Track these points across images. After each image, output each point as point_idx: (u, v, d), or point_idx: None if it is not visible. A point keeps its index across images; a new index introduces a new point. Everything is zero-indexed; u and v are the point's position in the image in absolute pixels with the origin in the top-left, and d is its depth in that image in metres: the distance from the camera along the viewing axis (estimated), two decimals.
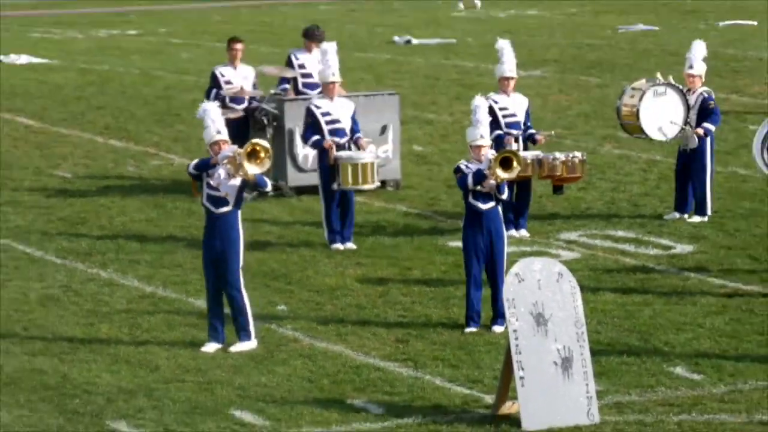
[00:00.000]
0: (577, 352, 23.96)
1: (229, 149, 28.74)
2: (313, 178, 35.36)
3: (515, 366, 23.65)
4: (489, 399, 24.82)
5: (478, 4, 75.55)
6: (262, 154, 26.72)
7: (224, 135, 29.07)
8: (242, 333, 28.09)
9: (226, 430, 23.71)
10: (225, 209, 28.45)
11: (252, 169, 27.30)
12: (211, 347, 27.73)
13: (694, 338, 27.81)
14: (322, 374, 26.47)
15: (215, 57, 41.20)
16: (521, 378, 23.53)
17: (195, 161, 29.07)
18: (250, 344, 27.89)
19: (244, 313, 27.96)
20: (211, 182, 28.26)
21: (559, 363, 23.81)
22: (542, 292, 23.99)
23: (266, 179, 28.68)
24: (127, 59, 58.55)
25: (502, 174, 27.60)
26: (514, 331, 23.65)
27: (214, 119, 28.90)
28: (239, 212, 28.08)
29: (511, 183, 33.55)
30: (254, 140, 28.55)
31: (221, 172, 28.19)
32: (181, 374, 26.40)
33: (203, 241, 28.65)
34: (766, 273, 30.42)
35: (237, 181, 28.32)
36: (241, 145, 30.33)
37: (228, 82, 39.41)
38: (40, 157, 41.67)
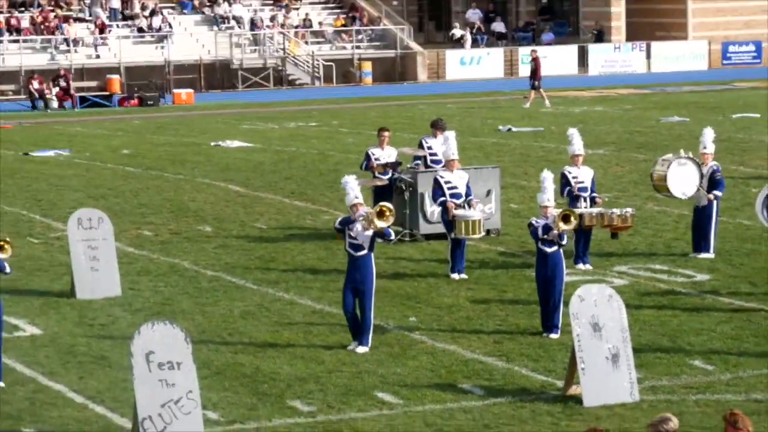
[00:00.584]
0: (623, 350, 24.46)
1: (364, 210, 28.81)
2: (439, 228, 36.24)
3: (578, 360, 24.24)
4: (560, 383, 25.19)
5: (547, 104, 74.87)
6: (388, 213, 27.17)
7: (360, 199, 29.00)
8: (364, 340, 28.13)
9: (372, 407, 24.24)
10: (362, 253, 28.49)
11: (380, 224, 27.79)
12: (357, 347, 28.05)
13: (708, 340, 28.07)
14: (440, 366, 26.79)
15: (370, 140, 41.10)
16: (582, 368, 24.08)
17: (339, 218, 29.62)
18: (365, 349, 28.13)
19: (369, 328, 28.19)
20: (351, 234, 28.48)
21: (610, 358, 24.32)
22: (597, 308, 24.58)
23: (391, 231, 28.97)
24: (308, 143, 58.40)
25: (563, 226, 28.18)
26: (577, 335, 23.96)
27: (353, 188, 28.90)
28: (372, 254, 28.36)
29: (577, 231, 34.43)
30: (382, 203, 28.82)
31: (359, 226, 28.39)
32: (339, 366, 26.81)
33: (346, 275, 28.69)
34: (763, 294, 30.70)
35: (370, 233, 28.39)
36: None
37: (377, 159, 39.29)
38: (245, 213, 42.63)
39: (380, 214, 28.33)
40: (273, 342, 28.73)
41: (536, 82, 75.11)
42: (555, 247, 28.64)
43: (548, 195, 29.11)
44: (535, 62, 77.42)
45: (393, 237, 30.79)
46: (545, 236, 28.54)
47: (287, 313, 30.99)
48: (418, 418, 23.74)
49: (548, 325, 28.65)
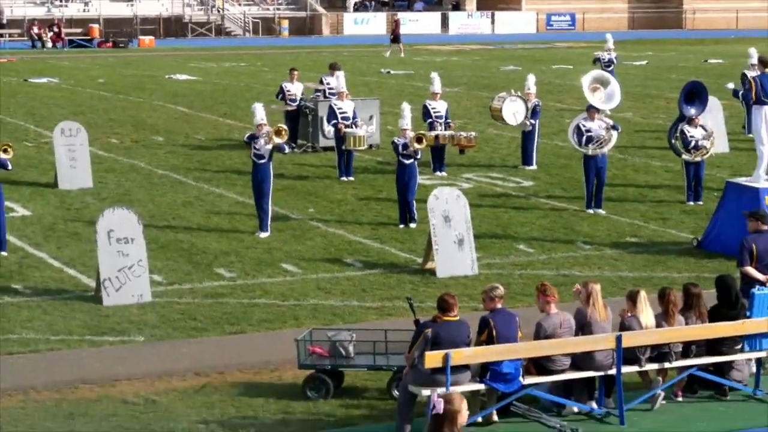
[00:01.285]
0: (466, 237, 23.80)
1: (266, 129, 27.91)
2: (332, 142, 35.17)
3: (433, 243, 23.53)
4: (419, 260, 24.51)
5: (402, 55, 70.96)
6: (283, 132, 26.53)
7: (264, 121, 28.02)
8: (264, 226, 27.32)
9: (278, 274, 23.89)
10: (263, 161, 27.57)
11: (277, 140, 26.96)
12: (260, 233, 27.35)
13: (530, 230, 27.53)
14: (330, 245, 26.32)
15: (284, 77, 40.28)
16: (436, 249, 23.38)
17: (247, 134, 28.83)
18: (266, 234, 27.41)
19: (267, 218, 27.36)
20: (256, 147, 27.63)
21: (457, 242, 23.66)
22: (448, 204, 23.82)
23: (285, 146, 28.32)
24: (238, 78, 57.67)
25: (417, 145, 27.90)
26: (433, 225, 23.42)
27: (260, 112, 28.01)
28: (270, 163, 27.62)
29: (434, 148, 33.96)
30: (279, 125, 27.93)
31: (261, 141, 27.49)
32: (254, 244, 26.53)
33: (251, 177, 28.09)
34: (572, 198, 30.23)
35: (270, 147, 27.42)
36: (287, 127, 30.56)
37: (288, 91, 38.37)
38: (188, 128, 40.96)
39: (278, 133, 27.68)
40: (205, 225, 28.34)
41: (396, 39, 73.45)
42: (411, 160, 28.23)
43: (406, 121, 28.89)
44: (396, 24, 76.41)
45: (287, 150, 30.33)
46: (404, 152, 28.13)
47: (217, 203, 30.49)
48: (312, 283, 23.44)
49: (408, 217, 28.26)
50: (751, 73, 39.66)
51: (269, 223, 27.34)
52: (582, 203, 29.70)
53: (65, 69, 60.01)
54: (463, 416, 11.22)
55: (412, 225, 27.92)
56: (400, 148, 28.27)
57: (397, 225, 28.03)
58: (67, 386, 17.46)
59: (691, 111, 29.07)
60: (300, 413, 16.62)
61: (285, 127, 28.91)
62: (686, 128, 29.25)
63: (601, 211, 29.21)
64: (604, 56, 47.82)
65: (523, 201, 31.13)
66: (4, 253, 24.43)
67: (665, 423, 16.60)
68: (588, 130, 29.06)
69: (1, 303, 21.42)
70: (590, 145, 28.95)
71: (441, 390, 15.09)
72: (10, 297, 21.78)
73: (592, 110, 29.46)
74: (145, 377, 17.91)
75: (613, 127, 29.50)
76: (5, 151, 25.55)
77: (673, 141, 29.75)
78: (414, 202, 28.09)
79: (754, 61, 41.31)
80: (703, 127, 29.67)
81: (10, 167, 26.13)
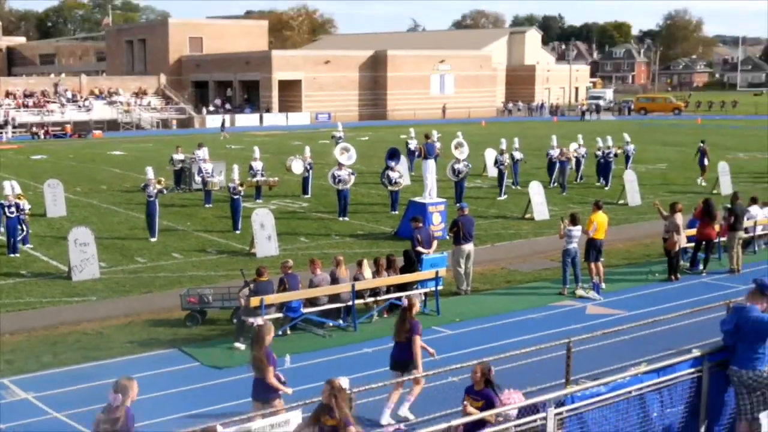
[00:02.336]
0: (272, 235, 23.55)
1: (153, 181, 25.13)
2: (200, 186, 34.11)
3: (255, 238, 23.21)
4: (247, 248, 23.99)
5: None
6: (163, 182, 25.10)
7: (152, 176, 25.54)
8: (153, 234, 25.52)
9: (170, 261, 22.93)
10: (152, 199, 25.38)
11: (159, 187, 25.93)
12: (152, 239, 26.05)
13: (306, 229, 27.15)
14: (199, 242, 25.35)
15: (173, 150, 38.80)
16: (257, 242, 23.07)
17: (142, 184, 26.36)
18: (155, 239, 25.49)
19: (154, 229, 25.94)
20: (147, 191, 25.30)
21: (267, 237, 23.45)
22: (262, 217, 23.33)
23: (164, 190, 26.73)
24: (148, 152, 55.73)
25: (240, 188, 27.48)
26: (255, 228, 23.13)
27: (149, 171, 25.81)
28: (157, 200, 25.52)
29: (256, 187, 33.42)
30: (160, 178, 26.35)
31: (150, 187, 25.13)
32: (156, 243, 25.37)
33: (146, 208, 25.94)
34: (331, 212, 30.10)
35: (155, 190, 25.18)
36: (175, 178, 28.31)
37: (175, 158, 36.49)
38: (120, 181, 40.14)
39: (159, 182, 25.51)
40: (129, 234, 27.04)
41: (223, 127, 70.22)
42: (237, 196, 26.91)
43: (235, 174, 27.63)
44: (223, 120, 73.80)
45: (165, 192, 29.04)
46: (233, 191, 26.88)
47: (136, 222, 28.48)
48: (189, 263, 22.68)
49: (236, 225, 26.83)
50: (413, 142, 41.38)
51: (157, 231, 25.69)
52: (335, 215, 29.36)
53: (51, 150, 57.44)
54: (271, 335, 11.68)
55: (237, 231, 26.54)
56: (231, 189, 27.02)
57: (232, 230, 26.73)
58: (52, 327, 17.17)
59: (392, 163, 29.56)
60: (183, 335, 16.64)
61: (163, 179, 27.73)
62: (388, 172, 29.63)
63: (346, 219, 28.84)
64: (337, 135, 47.08)
65: (303, 214, 30.46)
66: (17, 255, 23.54)
67: (378, 327, 16.91)
68: (338, 176, 28.94)
69: (15, 282, 20.80)
70: (340, 184, 28.88)
71: (259, 319, 15.49)
72: (20, 279, 21.12)
73: (341, 164, 29.22)
74: (96, 319, 17.66)
75: (352, 173, 29.56)
76: (19, 198, 24.49)
77: (383, 179, 30.19)
78: (240, 217, 26.88)
79: (413, 135, 43.94)
80: (398, 172, 30.30)
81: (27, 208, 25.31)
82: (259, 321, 14.93)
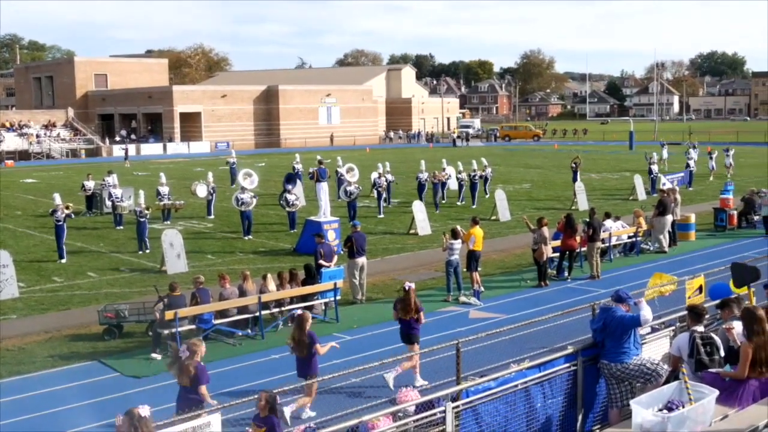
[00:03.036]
0: (181, 253, 23.04)
1: (61, 207, 25.58)
2: (110, 210, 33.48)
3: (165, 256, 22.70)
4: (158, 266, 23.58)
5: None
6: (71, 208, 24.31)
7: (60, 203, 25.19)
8: (62, 255, 24.70)
9: (86, 279, 22.17)
10: (60, 223, 24.90)
11: (67, 212, 25.30)
12: (61, 260, 25.25)
13: (213, 248, 26.66)
14: (112, 262, 24.53)
15: (83, 178, 37.50)
16: (167, 260, 22.68)
17: (51, 209, 25.86)
18: (64, 260, 24.77)
19: (63, 250, 24.73)
20: (56, 216, 24.73)
21: (176, 255, 23.02)
22: (171, 237, 22.86)
23: (73, 214, 25.74)
24: (59, 180, 53.96)
25: (146, 211, 26.72)
26: (164, 247, 22.67)
27: (57, 198, 25.69)
28: (65, 223, 25.21)
29: (162, 210, 32.71)
30: (68, 203, 25.69)
31: (59, 212, 24.62)
32: (71, 264, 24.47)
33: (55, 231, 25.31)
34: (233, 232, 29.71)
35: (63, 215, 25.33)
36: (87, 204, 27.36)
37: (86, 185, 35.72)
38: (34, 206, 38.61)
39: (67, 207, 25.81)
40: (45, 256, 26.01)
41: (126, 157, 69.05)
42: (144, 218, 26.38)
43: (141, 199, 27.35)
44: (126, 149, 71.82)
45: (74, 216, 27.54)
46: (140, 215, 26.40)
47: (50, 244, 26.80)
48: (105, 281, 21.95)
49: (143, 246, 26.25)
50: (298, 166, 41.47)
51: (65, 252, 24.86)
52: (239, 234, 28.93)
53: None
54: (202, 351, 10.98)
55: (147, 251, 25.92)
56: (137, 213, 26.44)
57: (137, 251, 26.06)
58: None
59: (289, 186, 29.39)
60: (102, 348, 16.07)
61: (71, 204, 27.07)
62: (286, 194, 29.44)
63: (250, 237, 28.40)
64: (231, 161, 46.62)
65: (209, 234, 29.96)
66: None
67: (283, 336, 16.67)
68: (241, 198, 28.43)
69: None
70: (243, 206, 28.33)
71: (173, 330, 15.18)
72: None
73: (244, 188, 28.81)
74: (17, 336, 16.87)
75: (254, 197, 29.23)
76: None
77: (281, 201, 29.98)
78: (147, 238, 26.37)
79: (298, 160, 43.53)
80: (295, 194, 30.19)
81: None
82: (297, 312, 14.18)
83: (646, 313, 9.66)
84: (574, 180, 39.91)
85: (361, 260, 19.73)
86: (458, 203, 37.43)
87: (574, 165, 41.66)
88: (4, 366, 15.03)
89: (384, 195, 34.85)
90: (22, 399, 13.33)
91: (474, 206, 35.93)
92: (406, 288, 13.92)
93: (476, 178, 37.52)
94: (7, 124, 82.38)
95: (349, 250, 19.76)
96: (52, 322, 18.07)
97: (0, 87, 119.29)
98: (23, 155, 76.75)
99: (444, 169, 39.22)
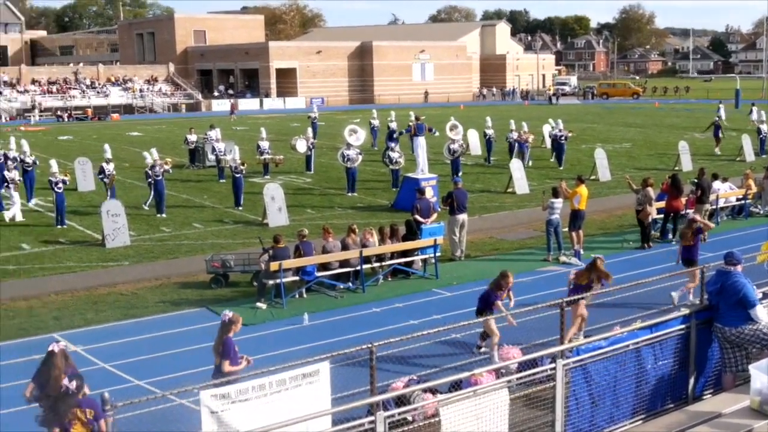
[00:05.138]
0: (282, 206, 23.38)
1: (159, 161, 24.43)
2: (213, 163, 34.47)
3: (267, 210, 23.04)
4: (260, 218, 23.97)
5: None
6: (170, 162, 24.59)
7: (156, 157, 25.08)
8: (160, 210, 24.62)
9: (192, 230, 22.76)
10: (159, 178, 24.76)
11: (166, 167, 25.74)
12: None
13: (312, 202, 26.94)
14: (216, 214, 25.17)
15: (185, 131, 38.11)
16: (268, 212, 23.03)
17: (148, 167, 25.98)
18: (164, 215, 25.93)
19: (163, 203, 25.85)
20: (155, 171, 24.60)
21: (278, 209, 23.36)
22: (273, 191, 23.32)
23: (170, 169, 25.50)
24: (162, 133, 55.59)
25: (242, 167, 26.47)
26: (266, 201, 23.04)
27: (153, 153, 25.55)
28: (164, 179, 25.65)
29: (264, 164, 33.20)
30: (167, 158, 25.86)
31: (157, 167, 24.46)
32: (192, 213, 25.19)
33: (155, 188, 25.09)
34: (334, 188, 29.80)
35: (162, 170, 25.15)
36: (190, 158, 27.68)
37: (189, 139, 35.71)
38: (136, 158, 39.40)
39: (166, 163, 25.02)
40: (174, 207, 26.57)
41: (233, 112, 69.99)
42: (239, 174, 26.50)
43: (235, 155, 27.89)
44: (232, 105, 73.92)
45: (171, 172, 27.73)
46: (235, 171, 26.34)
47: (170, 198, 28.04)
48: (210, 232, 22.40)
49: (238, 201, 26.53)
50: (393, 124, 40.89)
51: (165, 208, 24.97)
52: (338, 189, 29.09)
53: (75, 131, 57.07)
54: (238, 326, 10.40)
55: (240, 208, 25.76)
56: (233, 168, 26.49)
57: (233, 207, 25.97)
58: (92, 288, 17.09)
59: (392, 144, 28.94)
60: (210, 296, 16.54)
61: (169, 159, 27.41)
62: (389, 152, 28.97)
63: (354, 194, 28.34)
64: (314, 116, 46.92)
65: (308, 189, 30.18)
66: (64, 226, 23.26)
67: (383, 289, 17.00)
68: (347, 155, 28.43)
69: (55, 248, 20.73)
70: (348, 162, 28.35)
71: (278, 281, 15.53)
72: (60, 246, 21.03)
73: (350, 144, 28.57)
74: (130, 282, 17.57)
75: (359, 153, 28.80)
76: (66, 175, 24.06)
77: (384, 159, 29.35)
78: (242, 194, 26.25)
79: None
80: (399, 152, 29.60)
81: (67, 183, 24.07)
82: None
83: (762, 315, 9.36)
84: (716, 136, 39.67)
85: (462, 217, 19.64)
86: (552, 161, 36.24)
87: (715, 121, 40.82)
88: (120, 309, 15.73)
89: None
90: (138, 341, 13.90)
91: (561, 167, 34.49)
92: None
93: (562, 138, 35.29)
94: (112, 79, 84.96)
95: (450, 206, 19.69)
96: (162, 269, 18.70)
97: (104, 43, 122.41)
98: (127, 109, 79.15)
99: (552, 128, 37.79)
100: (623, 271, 17.81)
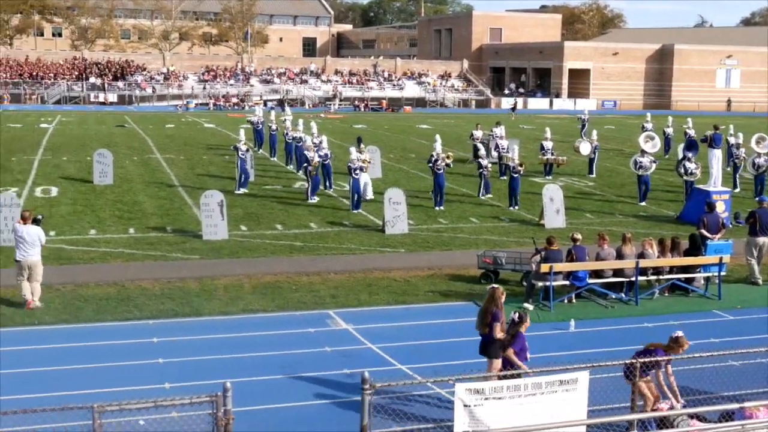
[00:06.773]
0: (560, 209, 23.09)
1: (443, 154, 25.75)
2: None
3: (544, 211, 22.86)
4: (536, 219, 23.78)
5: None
6: (450, 158, 24.46)
7: (440, 150, 26.34)
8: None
9: (468, 224, 23.02)
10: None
11: (447, 162, 25.59)
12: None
13: (591, 206, 26.38)
14: (492, 211, 25.38)
15: (472, 127, 39.48)
16: (546, 214, 22.85)
17: (430, 156, 26.25)
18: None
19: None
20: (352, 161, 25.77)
21: (555, 211, 23.08)
22: (553, 192, 23.08)
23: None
24: (450, 128, 56.67)
25: (520, 168, 25.84)
26: (545, 203, 22.89)
27: (437, 144, 25.82)
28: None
29: (545, 164, 32.77)
30: (449, 152, 25.83)
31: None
32: (459, 207, 25.59)
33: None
34: (624, 195, 28.83)
35: (443, 164, 25.63)
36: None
37: (474, 135, 36.26)
38: (405, 147, 40.59)
39: (448, 157, 25.57)
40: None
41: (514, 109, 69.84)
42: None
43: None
44: (515, 103, 73.14)
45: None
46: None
47: None
48: (485, 228, 22.65)
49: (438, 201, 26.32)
50: (690, 131, 37.90)
51: (443, 201, 25.70)
52: (621, 195, 28.16)
53: (369, 121, 59.72)
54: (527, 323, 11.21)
55: (516, 207, 25.47)
56: (511, 168, 26.25)
57: (508, 207, 26.07)
58: (368, 271, 17.85)
59: (689, 154, 26.76)
60: (478, 290, 16.56)
61: (451, 153, 26.85)
62: (685, 162, 26.97)
63: (644, 203, 27.22)
64: (584, 118, 46.06)
65: (589, 193, 29.32)
66: (359, 211, 24.16)
67: (658, 304, 16.25)
68: (640, 162, 27.13)
69: (339, 230, 21.79)
70: (640, 170, 27.19)
71: (548, 283, 15.28)
72: (343, 228, 22.09)
73: (645, 151, 27.29)
74: (404, 269, 18.20)
75: (654, 161, 27.55)
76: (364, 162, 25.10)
77: (678, 168, 27.55)
78: (518, 195, 25.90)
79: (690, 125, 39.25)
80: (696, 163, 27.19)
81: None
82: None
83: None
84: None
85: (764, 240, 18.21)
86: None
87: None
88: (392, 294, 16.37)
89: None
90: (406, 326, 14.36)
91: None
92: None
93: None
94: (408, 73, 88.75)
95: (751, 226, 18.39)
96: (435, 259, 19.18)
97: (404, 38, 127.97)
98: (420, 102, 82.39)
99: None
100: None
